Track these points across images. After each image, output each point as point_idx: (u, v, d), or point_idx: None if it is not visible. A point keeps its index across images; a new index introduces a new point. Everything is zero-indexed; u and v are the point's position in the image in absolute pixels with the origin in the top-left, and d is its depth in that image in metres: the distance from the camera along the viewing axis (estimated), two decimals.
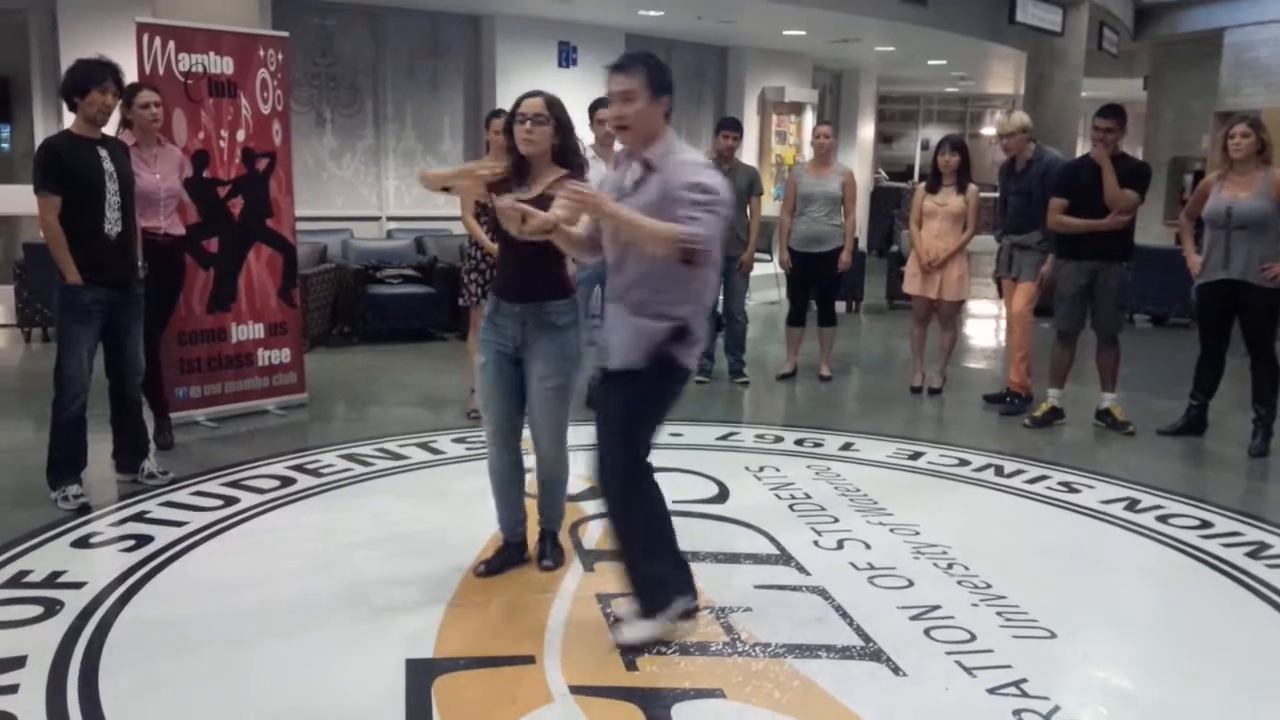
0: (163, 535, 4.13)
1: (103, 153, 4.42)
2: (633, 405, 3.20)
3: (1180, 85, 15.15)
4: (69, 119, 4.49)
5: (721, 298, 6.79)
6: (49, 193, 4.29)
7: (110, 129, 4.67)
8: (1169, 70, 15.58)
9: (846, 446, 5.68)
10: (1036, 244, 6.32)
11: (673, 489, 3.56)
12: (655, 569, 3.30)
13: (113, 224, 4.42)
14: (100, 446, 4.75)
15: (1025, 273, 6.40)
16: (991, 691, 3.02)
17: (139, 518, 4.34)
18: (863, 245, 12.45)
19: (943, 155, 6.73)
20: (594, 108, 6.13)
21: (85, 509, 4.38)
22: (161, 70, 5.58)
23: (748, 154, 11.34)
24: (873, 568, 3.94)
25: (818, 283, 7.24)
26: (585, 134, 6.11)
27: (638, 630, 3.25)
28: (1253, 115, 5.85)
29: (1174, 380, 6.63)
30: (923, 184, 7.09)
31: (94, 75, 4.35)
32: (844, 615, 3.51)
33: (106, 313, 4.47)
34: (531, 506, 3.90)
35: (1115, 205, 5.79)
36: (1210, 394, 5.97)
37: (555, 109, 3.46)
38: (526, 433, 3.72)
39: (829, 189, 7.09)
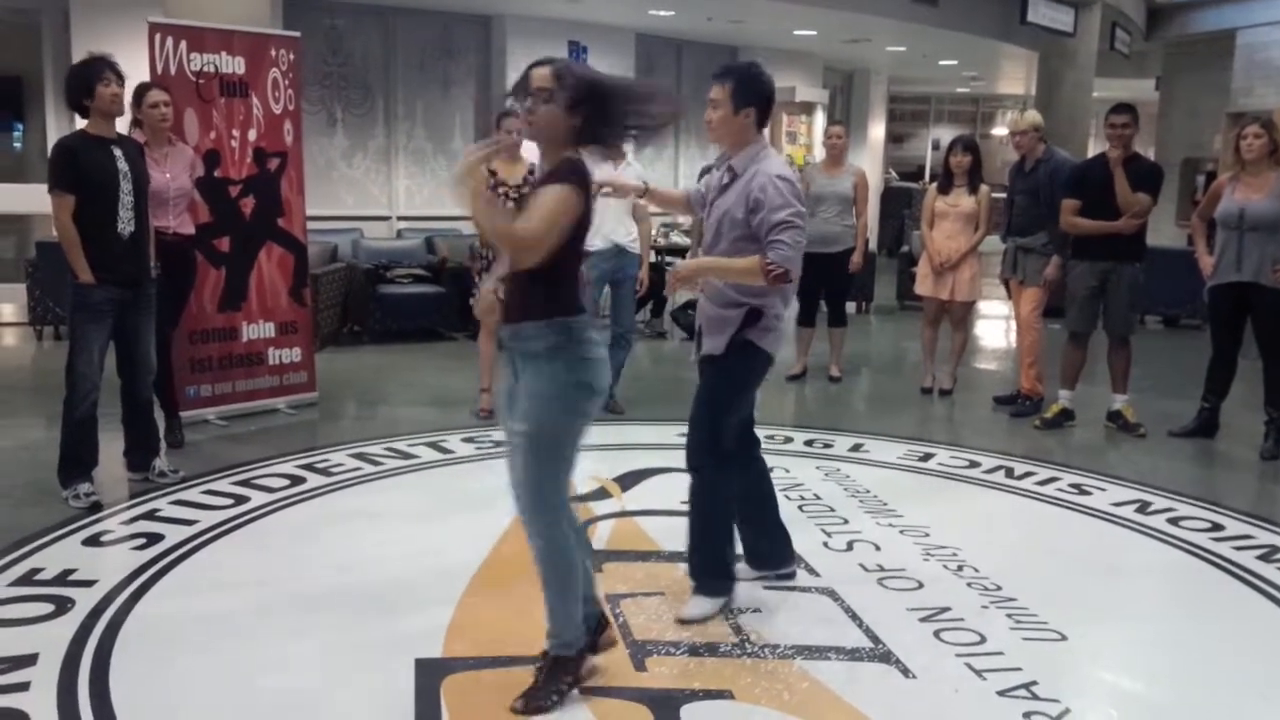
0: (173, 534, 4.14)
1: (117, 152, 4.43)
2: (715, 389, 3.42)
3: (1192, 86, 15.06)
4: (81, 119, 4.50)
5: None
6: (63, 192, 4.30)
7: (121, 128, 4.68)
8: (1181, 71, 15.49)
9: (856, 448, 5.66)
10: (1041, 246, 6.28)
11: (681, 489, 3.56)
12: (723, 553, 3.50)
13: (126, 223, 4.43)
14: (111, 445, 4.77)
15: (1030, 277, 6.36)
16: (1002, 694, 3.01)
17: (150, 516, 4.35)
18: (873, 245, 12.44)
19: (955, 155, 6.71)
20: None
21: (96, 507, 4.39)
22: (173, 70, 5.60)
23: None
24: (882, 569, 3.93)
25: (828, 283, 7.21)
26: None
27: (695, 608, 3.41)
28: (1265, 116, 5.85)
29: (1186, 382, 6.60)
30: (934, 184, 7.07)
31: (92, 72, 4.36)
32: (853, 617, 3.50)
33: (118, 312, 4.48)
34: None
35: (1128, 209, 5.76)
36: (1222, 396, 5.95)
37: (564, 78, 2.68)
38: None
39: (841, 189, 7.07)
